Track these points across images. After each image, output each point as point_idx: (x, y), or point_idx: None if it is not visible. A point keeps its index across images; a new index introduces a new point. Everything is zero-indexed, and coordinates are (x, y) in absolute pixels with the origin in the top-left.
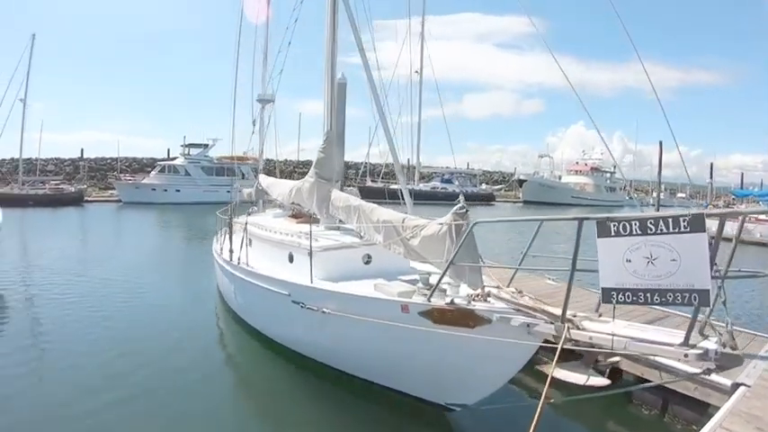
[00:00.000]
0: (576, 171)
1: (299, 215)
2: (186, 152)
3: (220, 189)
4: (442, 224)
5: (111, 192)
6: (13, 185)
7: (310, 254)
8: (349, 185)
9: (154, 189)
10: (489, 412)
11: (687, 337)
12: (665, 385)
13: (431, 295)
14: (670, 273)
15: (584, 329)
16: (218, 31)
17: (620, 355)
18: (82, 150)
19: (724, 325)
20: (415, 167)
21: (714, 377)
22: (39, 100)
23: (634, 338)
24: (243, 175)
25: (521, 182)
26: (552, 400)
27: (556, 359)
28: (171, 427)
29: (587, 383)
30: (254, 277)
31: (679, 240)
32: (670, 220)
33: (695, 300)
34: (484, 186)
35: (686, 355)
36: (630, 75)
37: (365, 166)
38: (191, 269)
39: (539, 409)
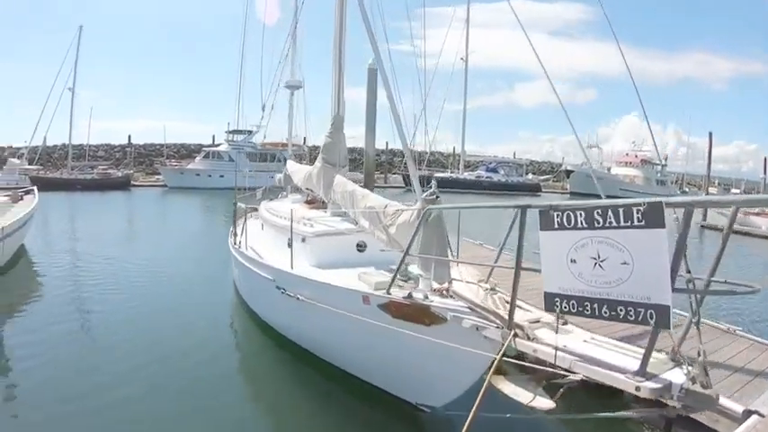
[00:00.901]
0: (626, 163)
1: (312, 201)
2: (230, 138)
3: (263, 175)
4: (412, 211)
5: (157, 177)
6: (62, 170)
7: (291, 240)
8: (394, 173)
9: (198, 174)
10: (459, 419)
11: (643, 365)
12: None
13: (389, 287)
14: (620, 279)
15: (534, 339)
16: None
17: (567, 373)
18: (129, 137)
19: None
20: (459, 156)
21: (723, 401)
22: (91, 89)
23: (581, 357)
24: (285, 160)
25: (568, 172)
26: (511, 415)
27: (492, 370)
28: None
29: (531, 404)
30: (249, 261)
31: (631, 237)
32: (621, 210)
33: (651, 318)
34: (530, 176)
35: (638, 389)
36: (689, 65)
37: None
38: (221, 253)
39: (466, 425)
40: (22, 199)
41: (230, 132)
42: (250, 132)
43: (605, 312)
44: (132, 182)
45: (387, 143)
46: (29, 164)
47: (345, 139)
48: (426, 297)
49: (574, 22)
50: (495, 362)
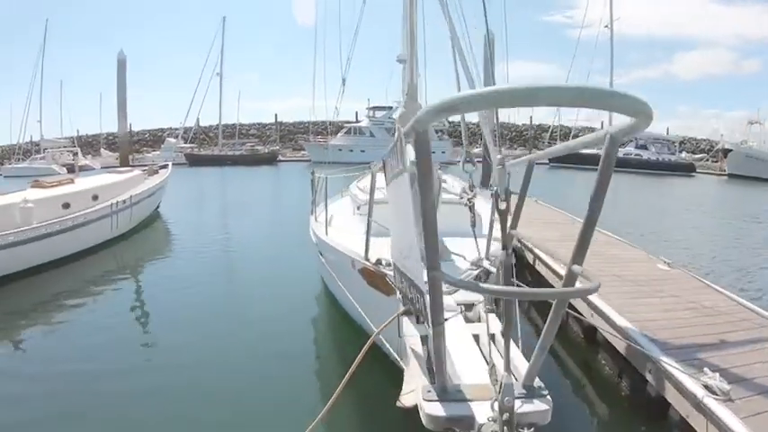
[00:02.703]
0: None
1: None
2: (371, 114)
3: None
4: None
5: (302, 152)
6: (213, 148)
7: (326, 206)
8: (541, 149)
9: (340, 149)
10: None
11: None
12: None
13: (366, 252)
14: (409, 247)
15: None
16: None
17: None
18: (276, 115)
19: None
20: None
21: None
22: (243, 72)
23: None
24: None
25: (726, 152)
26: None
27: (361, 356)
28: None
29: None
30: (311, 229)
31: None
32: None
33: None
34: (684, 155)
35: (400, 402)
36: None
37: (557, 129)
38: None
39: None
40: (156, 173)
41: (371, 109)
42: (391, 108)
43: (410, 293)
44: (279, 157)
45: (531, 117)
46: (184, 142)
47: (421, 107)
48: (389, 264)
49: None
50: (367, 345)
